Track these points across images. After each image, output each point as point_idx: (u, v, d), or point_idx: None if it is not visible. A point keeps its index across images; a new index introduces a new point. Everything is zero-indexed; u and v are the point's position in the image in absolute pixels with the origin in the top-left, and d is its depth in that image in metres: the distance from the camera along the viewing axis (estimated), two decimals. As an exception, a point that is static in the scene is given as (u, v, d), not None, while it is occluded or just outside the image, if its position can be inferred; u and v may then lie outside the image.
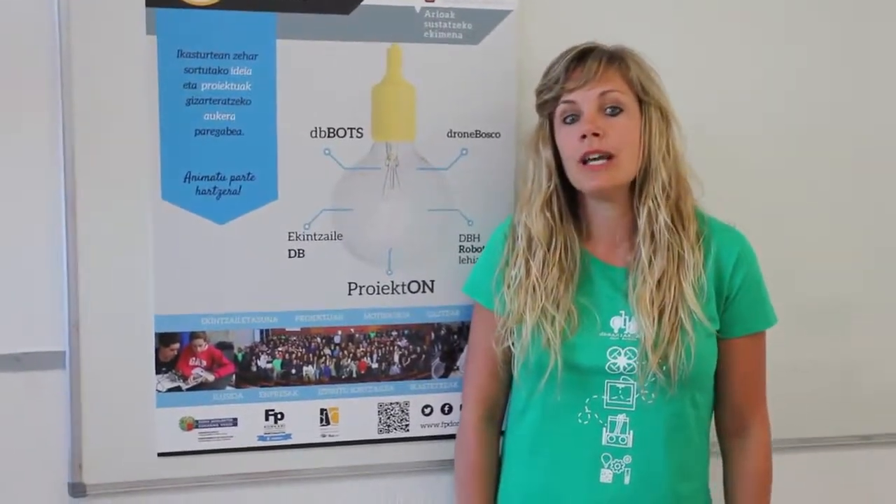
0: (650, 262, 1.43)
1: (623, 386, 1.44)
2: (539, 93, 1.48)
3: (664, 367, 1.41)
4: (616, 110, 1.42)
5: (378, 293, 1.65)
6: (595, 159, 1.40)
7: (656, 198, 1.43)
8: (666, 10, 1.71)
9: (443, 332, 1.68)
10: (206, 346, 1.59)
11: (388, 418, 1.68)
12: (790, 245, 1.81)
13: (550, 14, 1.66)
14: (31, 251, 1.54)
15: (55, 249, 1.53)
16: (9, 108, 1.51)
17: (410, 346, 1.67)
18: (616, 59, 1.44)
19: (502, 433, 1.61)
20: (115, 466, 1.59)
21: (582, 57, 1.43)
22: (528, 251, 1.47)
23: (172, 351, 1.58)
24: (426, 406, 1.70)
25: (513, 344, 1.48)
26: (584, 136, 1.40)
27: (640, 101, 1.44)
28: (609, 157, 1.40)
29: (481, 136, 1.66)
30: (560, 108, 1.44)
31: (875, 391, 1.91)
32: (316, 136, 1.59)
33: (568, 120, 1.43)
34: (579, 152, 1.41)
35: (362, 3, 1.58)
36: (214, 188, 1.57)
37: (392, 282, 1.65)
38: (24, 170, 1.52)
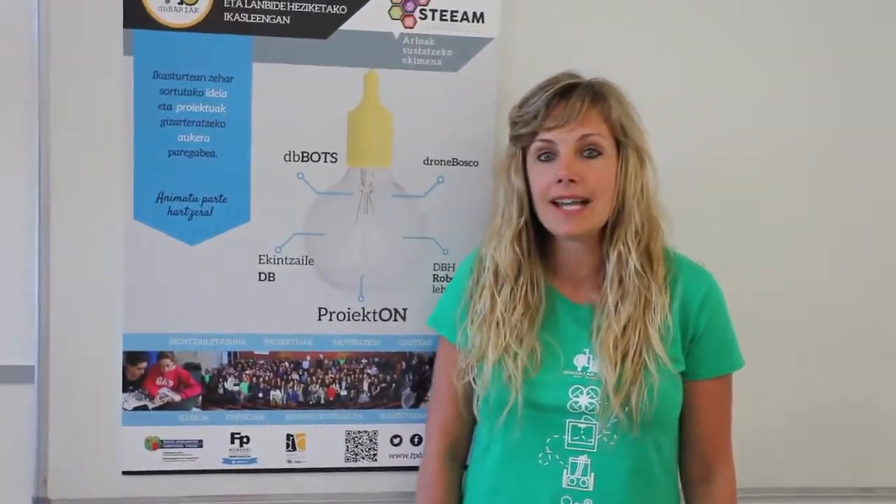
0: (616, 307, 1.39)
1: (585, 426, 1.39)
2: (514, 124, 1.43)
3: (626, 409, 1.37)
4: (594, 153, 1.37)
5: (349, 319, 1.63)
6: (569, 203, 1.37)
7: (627, 242, 1.39)
8: (647, 40, 1.67)
9: (414, 362, 1.66)
10: (174, 367, 1.60)
11: (356, 447, 1.66)
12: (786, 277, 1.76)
13: (532, 42, 1.63)
14: (3, 266, 1.57)
15: (27, 265, 1.55)
16: (-14, 125, 1.54)
17: (380, 375, 1.65)
18: (599, 99, 1.39)
19: (466, 468, 1.57)
20: (80, 483, 1.60)
21: (564, 94, 1.38)
22: (494, 286, 1.44)
23: (140, 370, 1.59)
24: (395, 436, 1.67)
25: (474, 380, 1.44)
26: (560, 181, 1.36)
27: (618, 143, 1.40)
28: (584, 201, 1.36)
29: (459, 164, 1.64)
30: (536, 145, 1.39)
31: (876, 440, 1.82)
32: (290, 160, 1.59)
33: (543, 157, 1.39)
34: (552, 194, 1.37)
35: (340, 29, 1.58)
36: (186, 209, 1.57)
37: (363, 309, 1.63)
38: (-2, 186, 1.56)
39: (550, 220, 1.39)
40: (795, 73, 1.73)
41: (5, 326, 1.57)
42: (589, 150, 1.37)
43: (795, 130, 1.74)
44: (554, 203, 1.37)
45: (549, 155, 1.38)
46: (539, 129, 1.38)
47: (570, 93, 1.38)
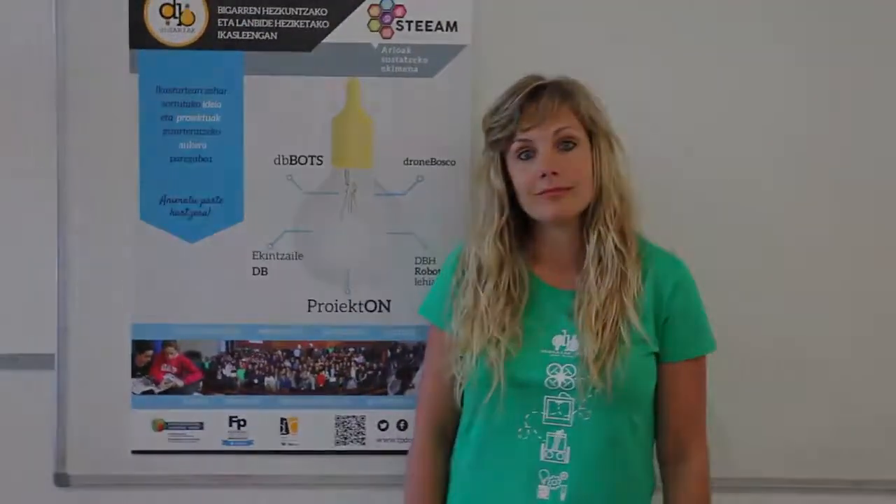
0: (597, 282, 1.47)
1: (561, 402, 1.46)
2: (490, 130, 1.52)
3: (602, 377, 1.43)
4: (570, 144, 1.47)
5: (336, 311, 1.75)
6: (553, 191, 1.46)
7: (606, 222, 1.48)
8: (615, 43, 1.75)
9: (399, 351, 1.76)
10: (177, 354, 1.74)
11: (346, 431, 1.76)
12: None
13: (503, 48, 1.73)
14: (28, 264, 1.75)
15: (48, 263, 1.73)
16: (11, 137, 1.74)
17: (367, 363, 1.76)
18: (567, 96, 1.49)
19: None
20: (95, 461, 1.76)
21: (534, 95, 1.48)
22: (477, 282, 1.53)
23: (147, 357, 1.74)
24: (382, 421, 1.77)
25: (457, 372, 1.52)
26: (543, 175, 1.45)
27: (589, 133, 1.49)
28: (567, 188, 1.46)
29: (437, 163, 1.74)
30: (515, 145, 1.49)
31: (870, 433, 1.82)
32: (279, 163, 1.73)
33: (523, 156, 1.49)
34: (537, 189, 1.46)
35: (323, 42, 1.72)
36: (187, 210, 1.73)
37: (350, 300, 1.75)
38: (21, 192, 1.75)
39: (538, 209, 1.48)
40: (769, 71, 1.78)
41: (29, 318, 1.75)
42: (564, 143, 1.46)
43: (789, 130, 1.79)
44: (539, 194, 1.47)
45: (528, 153, 1.48)
46: (516, 130, 1.48)
47: (539, 93, 1.48)
